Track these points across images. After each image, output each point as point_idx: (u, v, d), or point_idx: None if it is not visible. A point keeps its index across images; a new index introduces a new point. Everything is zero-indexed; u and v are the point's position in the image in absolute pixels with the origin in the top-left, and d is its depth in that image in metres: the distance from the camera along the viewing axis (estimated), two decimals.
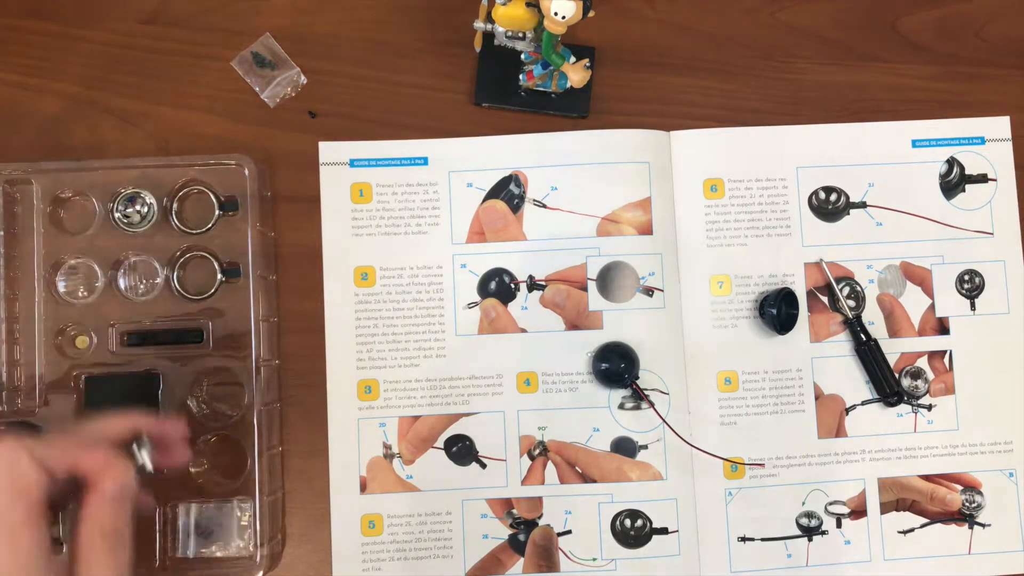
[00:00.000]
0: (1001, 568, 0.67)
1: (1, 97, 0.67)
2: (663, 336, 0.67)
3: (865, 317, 0.68)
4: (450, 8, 0.69)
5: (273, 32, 0.68)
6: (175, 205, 0.65)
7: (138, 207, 0.64)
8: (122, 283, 0.64)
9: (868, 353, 0.67)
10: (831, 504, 0.67)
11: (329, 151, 0.68)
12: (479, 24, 0.64)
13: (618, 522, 0.65)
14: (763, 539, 0.66)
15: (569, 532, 0.65)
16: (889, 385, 0.66)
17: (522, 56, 0.65)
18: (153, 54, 0.68)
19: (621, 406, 0.66)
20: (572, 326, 0.67)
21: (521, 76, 0.66)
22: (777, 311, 0.65)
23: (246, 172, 0.64)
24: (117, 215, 0.64)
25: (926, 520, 0.67)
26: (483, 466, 0.66)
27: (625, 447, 0.66)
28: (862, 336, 0.67)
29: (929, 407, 0.68)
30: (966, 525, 0.67)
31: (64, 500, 0.46)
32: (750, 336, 0.67)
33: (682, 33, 0.70)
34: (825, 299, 0.68)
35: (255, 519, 0.62)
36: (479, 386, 0.66)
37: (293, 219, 0.67)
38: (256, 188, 0.64)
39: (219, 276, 0.64)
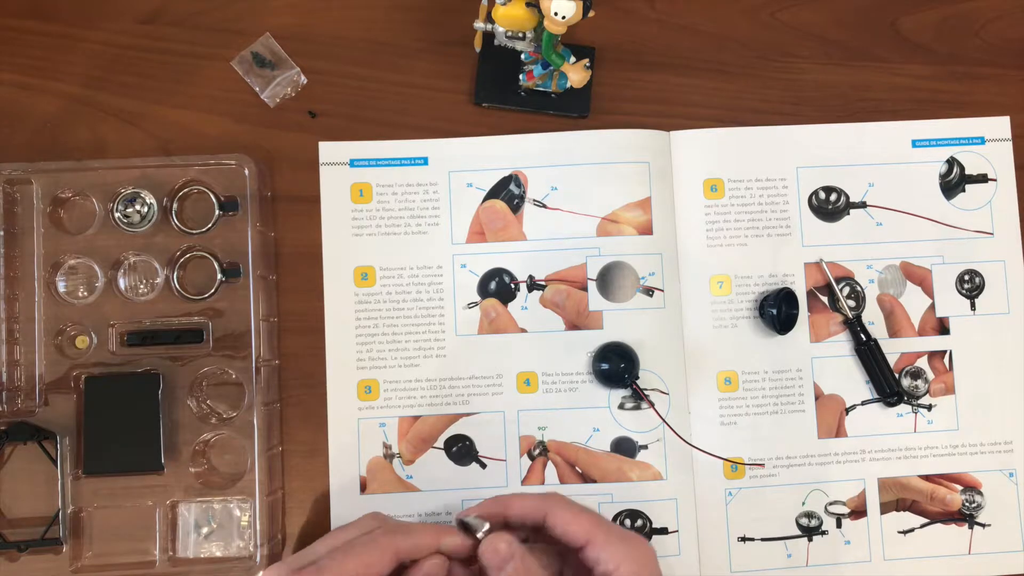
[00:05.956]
0: (1001, 568, 0.67)
1: (1, 97, 0.67)
2: (663, 336, 0.67)
3: (865, 317, 0.68)
4: (450, 8, 0.69)
5: (273, 32, 0.68)
6: (175, 205, 0.65)
7: (138, 207, 0.64)
8: (122, 283, 0.64)
9: (868, 353, 0.67)
10: (831, 504, 0.67)
11: (329, 151, 0.68)
12: (479, 24, 0.64)
13: (618, 522, 0.65)
14: (763, 539, 0.66)
15: None
16: (889, 385, 0.66)
17: (522, 56, 0.65)
18: (153, 54, 0.68)
19: (621, 406, 0.66)
20: (572, 326, 0.67)
21: (521, 76, 0.66)
22: (777, 311, 0.65)
23: (246, 172, 0.64)
24: (117, 215, 0.64)
25: (926, 520, 0.67)
26: (483, 466, 0.66)
27: (625, 447, 0.66)
28: (862, 336, 0.67)
29: (929, 407, 0.68)
30: (966, 525, 0.67)
31: None
32: (750, 336, 0.67)
33: (682, 33, 0.70)
34: (825, 299, 0.68)
35: (255, 519, 0.62)
36: (479, 386, 0.66)
37: (293, 219, 0.67)
38: (256, 188, 0.64)
39: (219, 276, 0.64)
